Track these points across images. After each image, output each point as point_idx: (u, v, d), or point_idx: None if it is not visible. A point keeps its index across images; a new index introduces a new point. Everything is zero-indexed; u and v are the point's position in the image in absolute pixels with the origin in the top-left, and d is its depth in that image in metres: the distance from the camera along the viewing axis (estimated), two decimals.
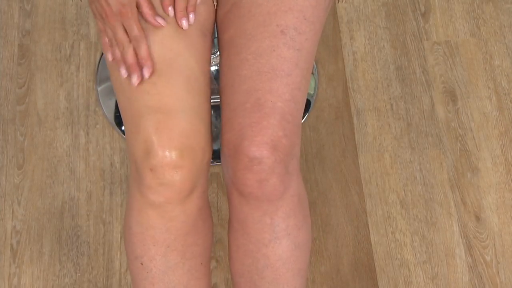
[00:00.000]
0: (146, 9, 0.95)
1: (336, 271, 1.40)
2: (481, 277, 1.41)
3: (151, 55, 0.95)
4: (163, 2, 0.97)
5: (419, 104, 1.56)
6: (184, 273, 1.02)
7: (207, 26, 1.02)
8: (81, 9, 1.63)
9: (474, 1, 1.69)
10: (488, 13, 1.67)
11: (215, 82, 1.27)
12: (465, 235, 1.44)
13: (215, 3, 1.05)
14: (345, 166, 1.50)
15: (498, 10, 1.68)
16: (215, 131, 1.40)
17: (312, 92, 1.56)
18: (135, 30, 0.94)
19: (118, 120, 1.50)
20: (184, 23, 0.97)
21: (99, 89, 1.54)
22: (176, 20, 0.97)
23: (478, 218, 1.46)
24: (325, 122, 1.54)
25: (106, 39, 0.98)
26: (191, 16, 0.98)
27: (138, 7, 0.96)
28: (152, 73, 0.94)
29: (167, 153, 0.92)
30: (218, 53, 1.20)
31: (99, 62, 1.56)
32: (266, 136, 0.93)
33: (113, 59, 0.98)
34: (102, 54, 1.57)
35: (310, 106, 1.55)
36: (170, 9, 0.97)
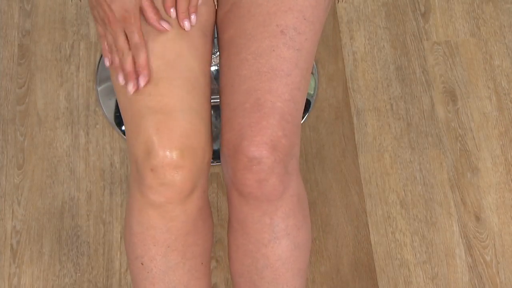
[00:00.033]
0: (150, 14, 0.95)
1: (336, 271, 1.40)
2: (481, 277, 1.41)
3: (150, 63, 0.95)
4: (165, 4, 0.97)
5: (419, 104, 1.56)
6: (185, 273, 1.02)
7: (208, 26, 1.03)
8: (81, 9, 1.63)
9: (474, 1, 1.69)
10: (488, 13, 1.67)
11: (215, 82, 1.27)
12: (465, 235, 1.44)
13: (215, 3, 1.05)
14: (345, 166, 1.50)
15: (498, 10, 1.68)
16: (215, 131, 1.40)
17: (312, 92, 1.56)
18: (136, 37, 0.94)
19: (118, 120, 1.50)
20: (186, 24, 0.97)
21: (99, 89, 1.54)
22: (178, 21, 0.97)
23: (478, 218, 1.46)
24: (325, 122, 1.54)
25: (106, 44, 0.98)
26: (193, 17, 0.98)
27: (141, 11, 0.95)
28: (148, 81, 0.94)
29: (167, 153, 0.92)
30: (218, 53, 1.20)
31: (99, 62, 1.56)
32: (266, 136, 0.93)
33: (112, 64, 0.98)
34: (102, 54, 1.57)
35: (310, 106, 1.55)
36: (172, 10, 0.97)
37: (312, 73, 1.57)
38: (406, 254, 1.42)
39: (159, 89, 0.94)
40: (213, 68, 1.41)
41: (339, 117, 1.54)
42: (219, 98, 1.02)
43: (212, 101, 1.03)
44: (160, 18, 0.96)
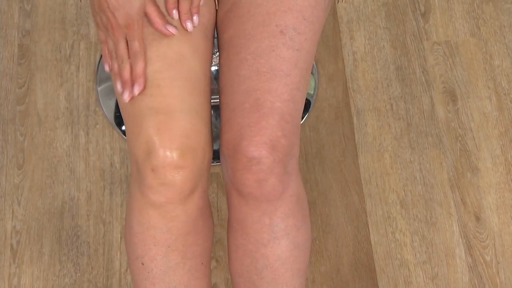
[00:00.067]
0: (156, 18, 0.95)
1: (336, 271, 1.40)
2: (481, 277, 1.41)
3: (153, 63, 0.95)
4: (167, 5, 0.97)
5: (419, 104, 1.56)
6: (185, 273, 1.02)
7: (209, 27, 1.03)
8: (81, 9, 1.63)
9: (474, 1, 1.69)
10: (488, 13, 1.67)
11: (215, 82, 1.27)
12: (465, 235, 1.44)
13: (216, 3, 1.05)
14: (345, 166, 1.50)
15: (498, 10, 1.68)
16: (215, 131, 1.40)
17: (312, 92, 1.56)
18: (136, 45, 0.95)
19: (118, 120, 1.50)
20: (189, 25, 0.97)
21: (99, 89, 1.54)
22: (180, 22, 0.97)
23: (478, 218, 1.46)
24: (325, 122, 1.54)
25: (107, 50, 0.98)
26: (195, 17, 0.98)
27: (147, 16, 0.96)
28: (145, 86, 0.95)
29: (168, 153, 0.93)
30: (217, 53, 1.20)
31: (99, 62, 1.56)
32: (265, 136, 0.93)
33: (111, 70, 0.99)
34: (101, 50, 1.57)
35: (310, 106, 1.55)
36: (175, 12, 0.97)
37: (312, 73, 1.57)
38: (406, 254, 1.42)
39: (161, 89, 0.94)
40: (213, 68, 1.41)
41: (339, 117, 1.54)
42: (219, 98, 1.02)
43: (212, 101, 1.03)
44: (166, 22, 0.96)
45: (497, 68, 1.61)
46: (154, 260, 1.00)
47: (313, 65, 1.56)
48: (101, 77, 1.55)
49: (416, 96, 1.57)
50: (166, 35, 0.96)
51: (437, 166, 1.50)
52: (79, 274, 1.37)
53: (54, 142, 1.48)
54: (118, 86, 0.97)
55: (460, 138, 1.53)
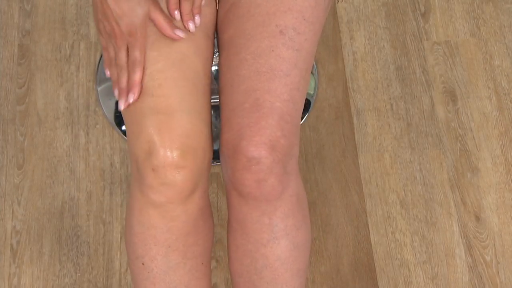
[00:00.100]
0: (163, 24, 0.95)
1: (336, 271, 1.40)
2: (481, 277, 1.41)
3: (156, 63, 0.95)
4: (169, 7, 0.97)
5: (419, 104, 1.56)
6: (185, 273, 1.02)
7: (210, 27, 1.03)
8: (81, 9, 1.63)
9: (474, 1, 1.69)
10: (488, 13, 1.67)
11: (215, 82, 1.27)
12: (465, 235, 1.44)
13: (217, 3, 1.05)
14: (345, 166, 1.50)
15: (498, 10, 1.68)
16: (215, 131, 1.40)
17: (312, 92, 1.56)
18: (136, 54, 0.95)
19: (118, 120, 1.50)
20: (191, 26, 0.97)
21: (99, 89, 1.54)
22: (183, 23, 0.97)
23: (478, 218, 1.46)
24: (325, 122, 1.54)
25: (107, 56, 0.99)
26: (197, 18, 0.98)
27: (153, 22, 0.96)
28: (138, 96, 0.95)
29: (169, 153, 0.93)
30: (217, 53, 1.20)
31: (99, 62, 1.56)
32: (264, 136, 0.93)
33: (110, 77, 0.99)
34: (102, 54, 1.57)
35: (310, 106, 1.55)
36: (177, 12, 0.97)
37: (312, 73, 1.57)
38: (406, 254, 1.42)
39: (162, 89, 0.94)
40: (213, 68, 1.41)
41: (339, 117, 1.54)
42: (219, 98, 1.02)
43: (212, 101, 1.03)
44: (173, 26, 0.96)
45: (497, 68, 1.61)
46: (155, 260, 1.00)
47: (313, 65, 1.56)
48: (101, 77, 1.55)
49: (416, 96, 1.57)
50: (174, 40, 0.96)
51: (437, 166, 1.50)
52: (79, 274, 1.37)
53: (54, 142, 1.48)
54: (116, 93, 0.98)
55: (460, 138, 1.53)
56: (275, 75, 0.95)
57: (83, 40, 1.59)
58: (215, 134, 1.33)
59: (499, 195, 1.48)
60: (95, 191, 1.44)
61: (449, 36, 1.65)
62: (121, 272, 1.38)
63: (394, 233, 1.44)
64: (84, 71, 1.56)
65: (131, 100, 0.95)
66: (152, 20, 0.95)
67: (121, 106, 0.96)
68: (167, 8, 0.97)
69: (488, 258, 1.42)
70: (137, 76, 0.95)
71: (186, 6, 0.97)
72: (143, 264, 1.01)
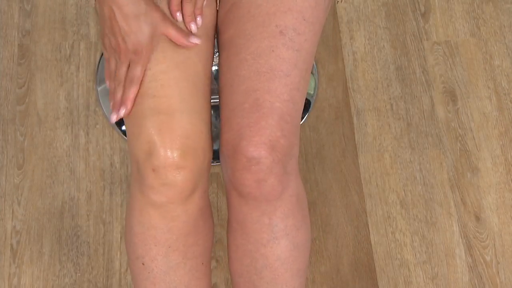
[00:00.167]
0: (177, 37, 0.95)
1: (336, 271, 1.40)
2: (481, 277, 1.41)
3: (160, 63, 0.95)
4: (171, 8, 0.97)
5: (419, 104, 1.56)
6: (186, 273, 1.02)
7: (210, 28, 1.03)
8: (81, 9, 1.62)
9: (474, 1, 1.69)
10: (488, 13, 1.67)
11: (215, 82, 1.27)
12: (465, 235, 1.44)
13: (217, 4, 1.05)
14: (345, 166, 1.50)
15: (498, 10, 1.68)
16: (215, 131, 1.40)
17: (312, 92, 1.56)
18: (137, 71, 0.95)
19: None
20: (193, 27, 0.98)
21: (99, 89, 1.54)
22: (185, 24, 0.98)
23: (478, 218, 1.46)
24: (325, 122, 1.54)
25: (108, 69, 0.99)
26: (199, 19, 0.98)
27: (167, 37, 0.96)
28: (129, 111, 0.96)
29: (169, 153, 0.93)
30: (217, 53, 1.20)
31: (99, 62, 1.56)
32: (264, 136, 0.93)
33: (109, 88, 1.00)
34: (102, 54, 1.57)
35: (310, 106, 1.55)
36: (178, 14, 0.97)
37: (312, 73, 1.57)
38: (406, 254, 1.42)
39: (164, 90, 0.94)
40: (213, 68, 1.41)
41: (339, 117, 1.54)
42: (219, 98, 1.03)
43: (212, 101, 1.04)
44: (187, 35, 0.96)
45: (497, 68, 1.61)
46: (155, 260, 1.00)
47: (313, 65, 1.56)
48: (101, 77, 1.55)
49: (416, 96, 1.57)
50: (192, 47, 0.96)
51: (437, 166, 1.50)
52: (79, 274, 1.37)
53: (54, 142, 1.48)
54: (111, 104, 0.98)
55: (460, 138, 1.53)
56: (275, 75, 0.95)
57: (83, 40, 1.59)
58: (215, 134, 1.33)
59: (499, 195, 1.48)
60: (95, 191, 1.44)
61: (449, 36, 1.65)
62: (121, 272, 1.38)
63: (394, 233, 1.44)
64: (84, 71, 1.56)
65: (121, 114, 0.96)
66: (166, 35, 0.95)
67: (113, 119, 0.97)
68: (169, 9, 0.97)
69: (488, 258, 1.42)
70: (132, 93, 0.95)
71: (188, 8, 0.97)
72: (143, 264, 1.01)
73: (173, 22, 0.96)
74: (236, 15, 1.00)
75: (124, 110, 0.96)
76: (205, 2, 0.99)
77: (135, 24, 0.93)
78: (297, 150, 0.99)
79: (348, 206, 1.46)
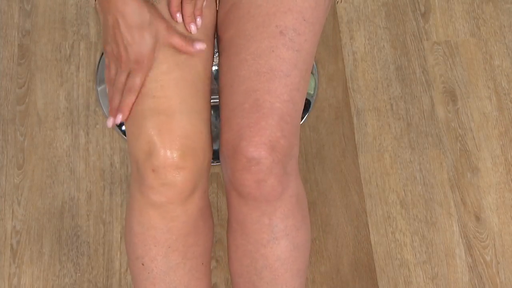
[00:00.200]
0: (182, 46, 0.95)
1: (336, 271, 1.40)
2: (481, 277, 1.41)
3: (161, 64, 0.95)
4: (171, 9, 0.97)
5: (419, 104, 1.56)
6: (185, 273, 1.02)
7: (210, 29, 1.03)
8: (81, 9, 1.62)
9: (474, 1, 1.69)
10: (488, 13, 1.67)
11: (215, 82, 1.27)
12: (465, 235, 1.44)
13: (217, 4, 1.05)
14: (345, 166, 1.50)
15: (498, 10, 1.68)
16: (215, 131, 1.40)
17: (312, 92, 1.56)
18: (137, 81, 0.95)
19: None
20: (193, 28, 0.98)
21: (99, 89, 1.54)
22: (184, 25, 0.98)
23: (478, 218, 1.46)
24: (325, 122, 1.54)
25: (108, 74, 0.99)
26: (198, 20, 0.98)
27: (173, 47, 0.96)
28: (126, 118, 0.96)
29: (169, 154, 0.93)
30: (217, 53, 1.21)
31: (99, 62, 1.56)
32: (264, 136, 0.93)
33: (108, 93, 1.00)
34: (102, 54, 1.57)
35: (310, 106, 1.55)
36: (178, 15, 0.97)
37: (312, 73, 1.57)
38: (406, 254, 1.42)
39: (164, 91, 0.94)
40: (213, 68, 1.41)
41: (339, 117, 1.54)
42: (219, 98, 1.03)
43: (212, 101, 1.04)
44: (192, 41, 0.96)
45: (497, 68, 1.61)
46: (155, 260, 1.00)
47: (313, 65, 1.56)
48: (101, 77, 1.55)
49: (416, 96, 1.57)
50: (198, 53, 0.96)
51: (437, 166, 1.50)
52: (79, 274, 1.37)
53: (54, 142, 1.48)
54: (109, 109, 0.98)
55: (460, 138, 1.53)
56: (275, 75, 0.95)
57: (83, 40, 1.59)
58: (215, 134, 1.33)
59: (499, 195, 1.48)
60: (95, 191, 1.44)
61: (449, 36, 1.65)
62: (121, 272, 1.38)
63: (394, 233, 1.44)
64: (84, 71, 1.56)
65: (118, 121, 0.96)
66: (171, 45, 0.95)
67: (109, 124, 0.97)
68: (169, 10, 0.97)
69: (488, 258, 1.42)
70: (129, 101, 0.95)
71: (188, 9, 0.97)
72: (143, 264, 1.01)
73: (177, 31, 0.96)
74: (236, 16, 1.00)
75: (120, 117, 0.96)
76: (205, 3, 0.99)
77: (138, 34, 0.93)
78: (297, 151, 0.99)
79: (348, 206, 1.46)
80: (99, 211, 1.42)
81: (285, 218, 1.00)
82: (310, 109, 1.55)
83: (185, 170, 0.94)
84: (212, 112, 1.03)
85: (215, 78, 1.36)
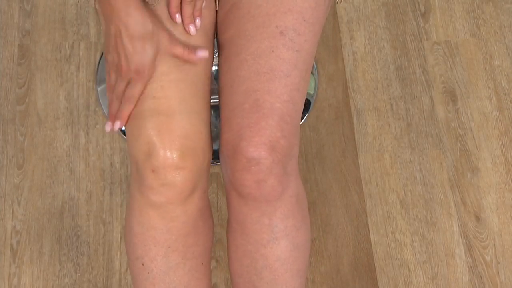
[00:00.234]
0: (184, 53, 0.95)
1: (336, 271, 1.40)
2: (481, 277, 1.41)
3: (161, 65, 0.95)
4: (170, 10, 0.97)
5: (419, 104, 1.56)
6: (185, 273, 1.02)
7: (210, 29, 1.03)
8: (81, 9, 1.62)
9: (474, 1, 1.69)
10: (488, 13, 1.67)
11: (215, 82, 1.27)
12: (465, 235, 1.44)
13: (216, 4, 1.05)
14: (345, 166, 1.50)
15: (498, 10, 1.68)
16: (215, 131, 1.40)
17: (312, 92, 1.56)
18: (136, 90, 0.94)
19: None
20: (192, 29, 0.98)
21: (99, 89, 1.54)
22: (183, 26, 0.97)
23: (478, 218, 1.46)
24: (325, 122, 1.54)
25: (108, 80, 0.99)
26: (198, 20, 0.98)
27: (176, 57, 0.95)
28: (123, 125, 0.96)
29: (168, 154, 0.93)
30: (217, 53, 1.21)
31: (99, 62, 1.56)
32: (264, 136, 0.93)
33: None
34: (102, 54, 1.57)
35: (310, 106, 1.55)
36: (178, 16, 0.97)
37: (312, 73, 1.57)
38: (406, 254, 1.42)
39: (165, 91, 0.94)
40: (213, 68, 1.41)
41: (339, 117, 1.54)
42: (219, 98, 1.03)
43: (212, 101, 1.04)
44: (193, 49, 0.96)
45: (497, 68, 1.61)
46: (154, 260, 1.00)
47: (313, 65, 1.56)
48: (101, 77, 1.55)
49: (416, 96, 1.57)
50: (201, 60, 0.96)
51: (437, 166, 1.50)
52: (79, 274, 1.37)
53: (54, 142, 1.48)
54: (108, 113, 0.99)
55: (460, 138, 1.53)
56: (275, 75, 0.95)
57: (83, 40, 1.59)
58: (215, 134, 1.33)
59: (499, 195, 1.48)
60: (95, 191, 1.44)
61: (449, 36, 1.65)
62: (121, 272, 1.38)
63: (394, 233, 1.44)
64: (84, 71, 1.56)
65: (116, 127, 0.96)
66: (174, 56, 0.95)
67: (107, 129, 0.97)
68: (168, 11, 0.97)
69: (488, 258, 1.42)
70: (127, 110, 0.95)
71: (187, 9, 0.97)
72: (142, 264, 1.01)
73: (179, 41, 0.96)
74: (236, 16, 1.00)
75: (118, 124, 0.96)
76: (204, 4, 0.99)
77: (140, 45, 0.93)
78: (297, 151, 0.99)
79: (348, 206, 1.46)
80: (99, 211, 1.42)
81: (285, 218, 1.00)
82: (310, 109, 1.55)
83: (184, 170, 0.94)
84: (212, 112, 1.03)
85: (215, 78, 1.36)
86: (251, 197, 0.96)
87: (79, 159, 1.47)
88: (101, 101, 1.52)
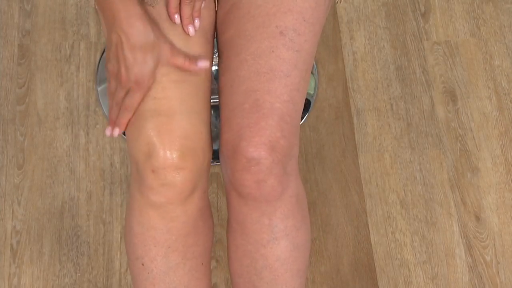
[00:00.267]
0: (185, 63, 0.95)
1: (336, 271, 1.40)
2: (481, 277, 1.41)
3: (160, 67, 0.95)
4: (169, 10, 0.97)
5: (419, 104, 1.56)
6: (185, 273, 1.02)
7: (209, 30, 1.03)
8: (81, 9, 1.62)
9: (474, 1, 1.69)
10: (488, 13, 1.67)
11: (215, 82, 1.27)
12: (465, 235, 1.44)
13: (216, 4, 1.05)
14: (345, 166, 1.50)
15: (498, 10, 1.68)
16: (215, 131, 1.40)
17: (312, 92, 1.56)
18: (134, 99, 0.94)
19: None
20: (191, 30, 0.98)
21: (99, 89, 1.54)
22: (182, 27, 0.97)
23: (478, 218, 1.46)
24: (325, 122, 1.54)
25: (108, 88, 0.99)
26: (197, 21, 0.98)
27: (176, 67, 0.95)
28: (121, 131, 0.97)
29: (168, 154, 0.93)
30: (217, 53, 1.21)
31: (99, 62, 1.56)
32: (264, 137, 0.93)
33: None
34: (102, 54, 1.57)
35: (310, 106, 1.55)
36: (177, 16, 0.97)
37: (312, 73, 1.57)
38: (406, 254, 1.42)
39: (165, 92, 0.94)
40: (213, 68, 1.41)
41: (339, 117, 1.54)
42: (219, 98, 1.03)
43: (212, 101, 1.04)
44: (194, 60, 0.96)
45: (497, 68, 1.61)
46: (154, 260, 1.00)
47: (313, 65, 1.56)
48: (101, 77, 1.55)
49: (416, 96, 1.57)
50: (201, 70, 0.96)
51: (437, 166, 1.50)
52: (79, 274, 1.37)
53: (54, 142, 1.48)
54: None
55: (460, 138, 1.53)
56: (275, 75, 0.95)
57: (83, 40, 1.59)
58: (215, 134, 1.33)
59: (499, 195, 1.48)
60: (95, 191, 1.44)
61: (449, 36, 1.65)
62: (121, 272, 1.38)
63: (394, 233, 1.44)
64: (84, 71, 1.56)
65: (116, 134, 0.97)
66: (175, 66, 0.95)
67: (107, 133, 0.97)
68: (167, 12, 0.97)
69: (488, 258, 1.42)
70: (126, 118, 0.95)
71: (186, 10, 0.97)
72: (142, 264, 1.01)
73: (180, 51, 0.96)
74: (236, 16, 1.00)
75: (117, 131, 0.96)
76: (203, 4, 0.99)
77: (141, 55, 0.93)
78: (297, 151, 0.99)
79: (348, 206, 1.46)
80: (99, 211, 1.42)
81: (285, 218, 1.00)
82: (310, 109, 1.55)
83: (184, 171, 0.94)
84: (212, 112, 1.03)
85: (215, 78, 1.36)
86: (251, 197, 0.96)
87: (79, 159, 1.47)
88: (101, 101, 1.52)
